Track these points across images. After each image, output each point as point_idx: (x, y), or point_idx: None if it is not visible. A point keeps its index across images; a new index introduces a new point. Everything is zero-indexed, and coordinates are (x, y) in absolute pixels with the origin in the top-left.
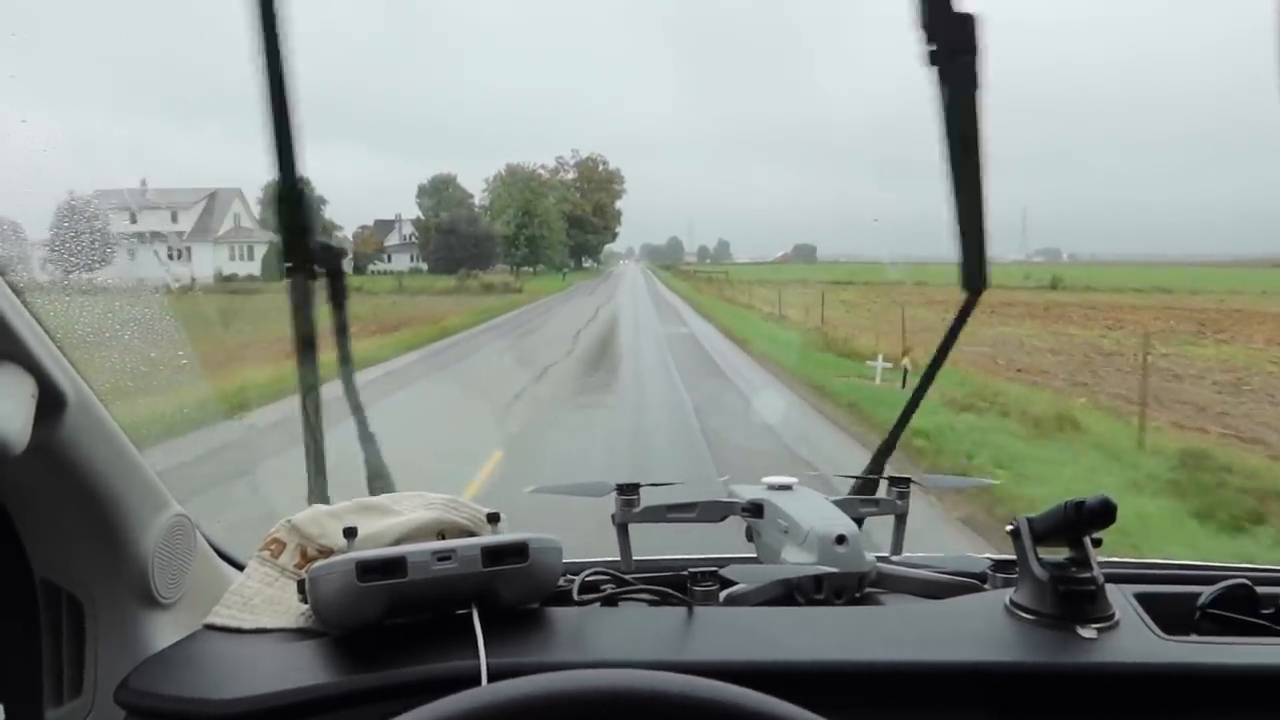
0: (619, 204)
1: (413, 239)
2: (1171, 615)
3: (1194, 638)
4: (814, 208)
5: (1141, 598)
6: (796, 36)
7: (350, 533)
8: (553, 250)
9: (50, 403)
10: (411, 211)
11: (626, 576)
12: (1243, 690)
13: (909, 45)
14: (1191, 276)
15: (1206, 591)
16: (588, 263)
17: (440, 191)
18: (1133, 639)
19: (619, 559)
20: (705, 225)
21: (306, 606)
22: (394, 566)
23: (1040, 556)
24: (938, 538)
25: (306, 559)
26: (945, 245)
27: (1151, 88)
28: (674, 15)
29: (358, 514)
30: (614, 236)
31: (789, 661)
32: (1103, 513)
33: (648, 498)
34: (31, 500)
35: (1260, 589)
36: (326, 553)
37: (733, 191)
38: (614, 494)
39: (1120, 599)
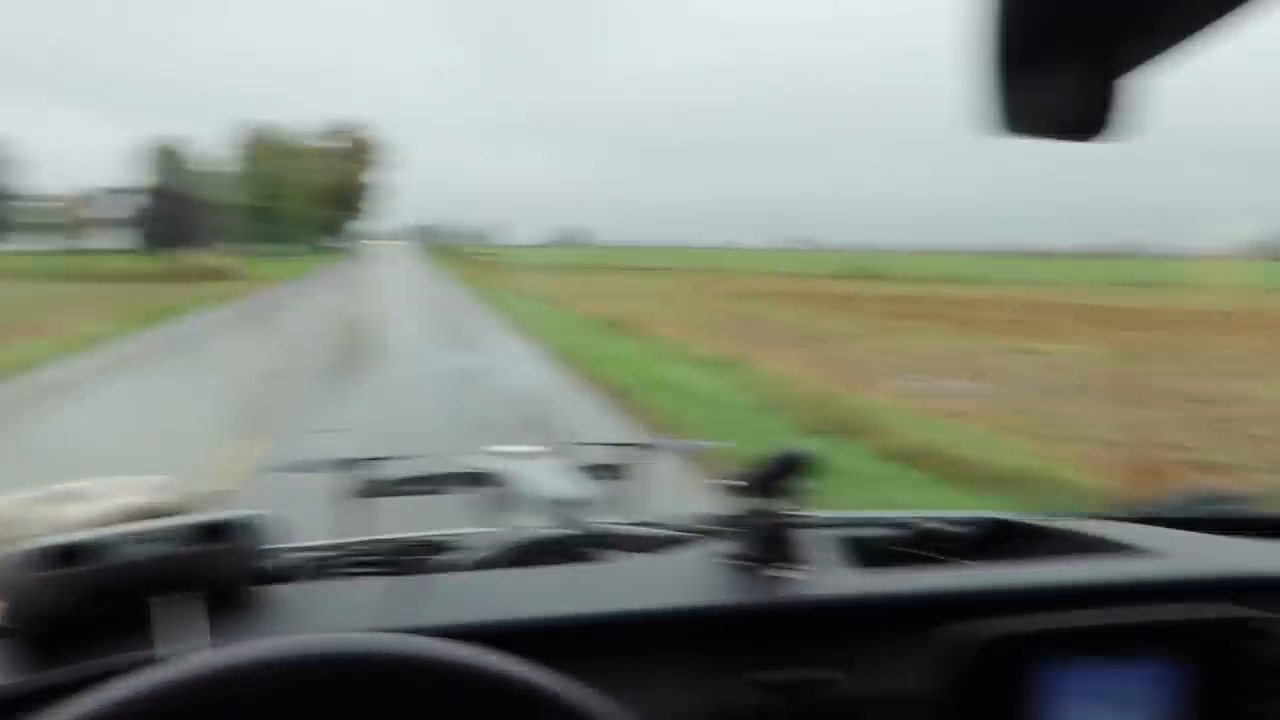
0: (384, 178)
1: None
2: (868, 556)
3: (880, 569)
4: (590, 191)
5: (839, 541)
6: (575, 14)
7: (48, 520)
8: (299, 227)
9: None
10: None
11: (346, 551)
12: (923, 614)
13: (691, 34)
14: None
15: (897, 534)
16: (347, 243)
17: (168, 157)
18: (831, 577)
19: (352, 536)
20: (478, 206)
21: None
22: (83, 552)
23: (750, 507)
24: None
25: None
26: (720, 230)
27: (909, 86)
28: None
29: (59, 500)
30: (378, 214)
31: (506, 620)
32: (807, 462)
33: (384, 472)
34: None
35: (944, 529)
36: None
37: (506, 172)
38: (348, 469)
39: (819, 543)
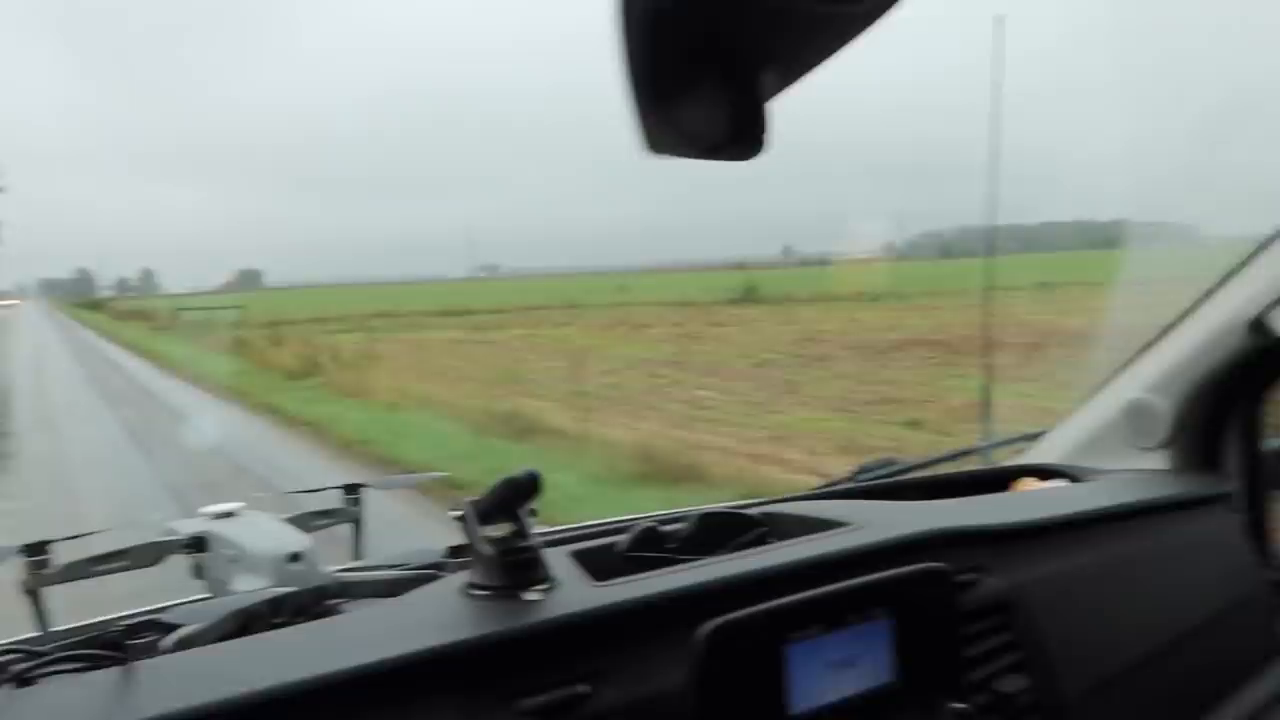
0: None
1: None
2: (600, 565)
3: (616, 580)
4: (255, 230)
5: (575, 555)
6: (213, 40)
7: None
8: None
9: None
10: None
11: (43, 648)
12: (657, 615)
13: (341, 59)
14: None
15: (622, 539)
16: None
17: None
18: (571, 593)
19: (38, 632)
20: (122, 253)
21: None
22: None
23: (485, 535)
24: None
25: None
26: (411, 264)
27: (567, 114)
28: (64, 16)
29: None
30: None
31: (253, 692)
32: (530, 484)
33: (66, 553)
34: None
35: (662, 528)
36: None
37: (152, 214)
38: (17, 557)
39: (558, 560)
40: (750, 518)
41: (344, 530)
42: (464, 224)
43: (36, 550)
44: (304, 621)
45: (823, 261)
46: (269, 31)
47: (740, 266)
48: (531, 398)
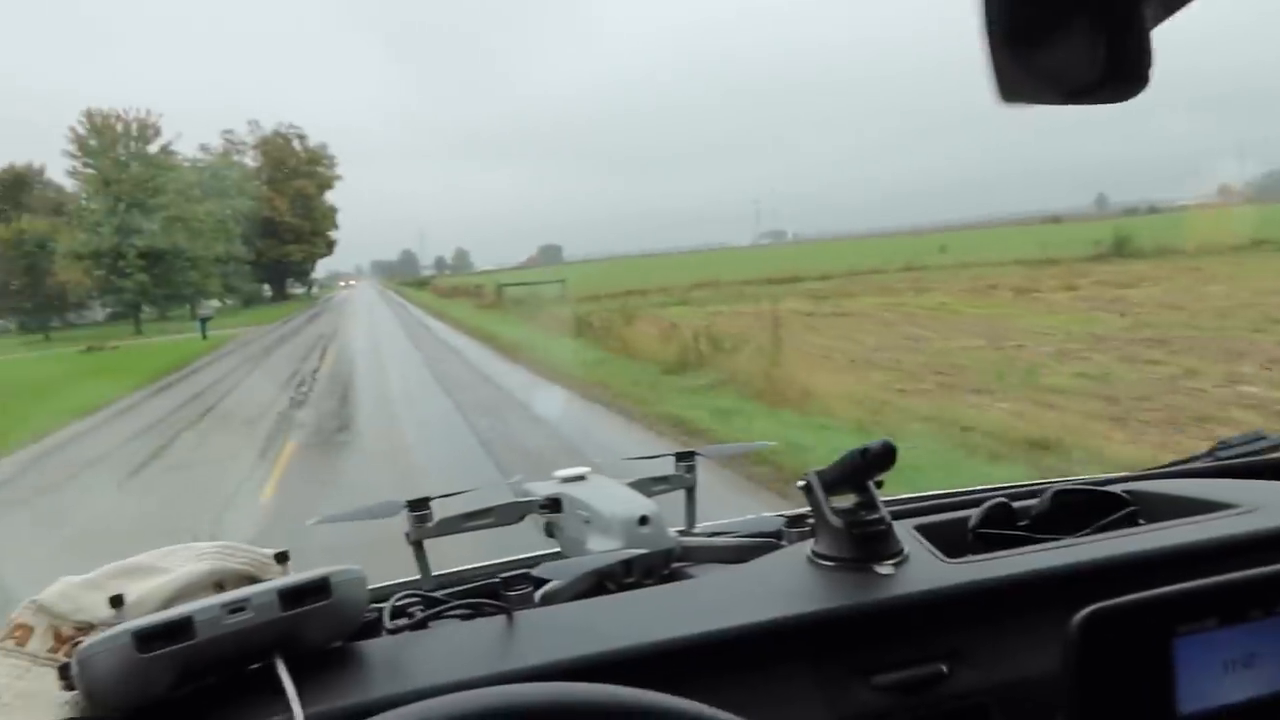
0: (332, 198)
1: None
2: (949, 540)
3: (970, 557)
4: (553, 207)
5: (921, 529)
6: (516, 28)
7: (117, 600)
8: (200, 276)
9: None
10: None
11: (436, 594)
12: (1017, 596)
13: (647, 35)
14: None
15: (973, 514)
16: (297, 287)
17: (17, 192)
18: (922, 568)
19: (419, 578)
20: (438, 235)
21: (72, 694)
22: (179, 629)
23: (832, 505)
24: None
25: (62, 641)
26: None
27: (861, 69)
28: (379, 11)
29: (117, 579)
30: (329, 246)
31: (617, 649)
32: (885, 454)
33: (441, 510)
34: None
35: (1015, 504)
36: (86, 630)
37: (463, 197)
38: (405, 512)
39: (904, 534)
40: (1115, 496)
41: (678, 496)
42: (748, 190)
43: (419, 506)
44: (654, 583)
45: (1152, 210)
46: (573, 22)
47: (1054, 219)
48: (983, 394)
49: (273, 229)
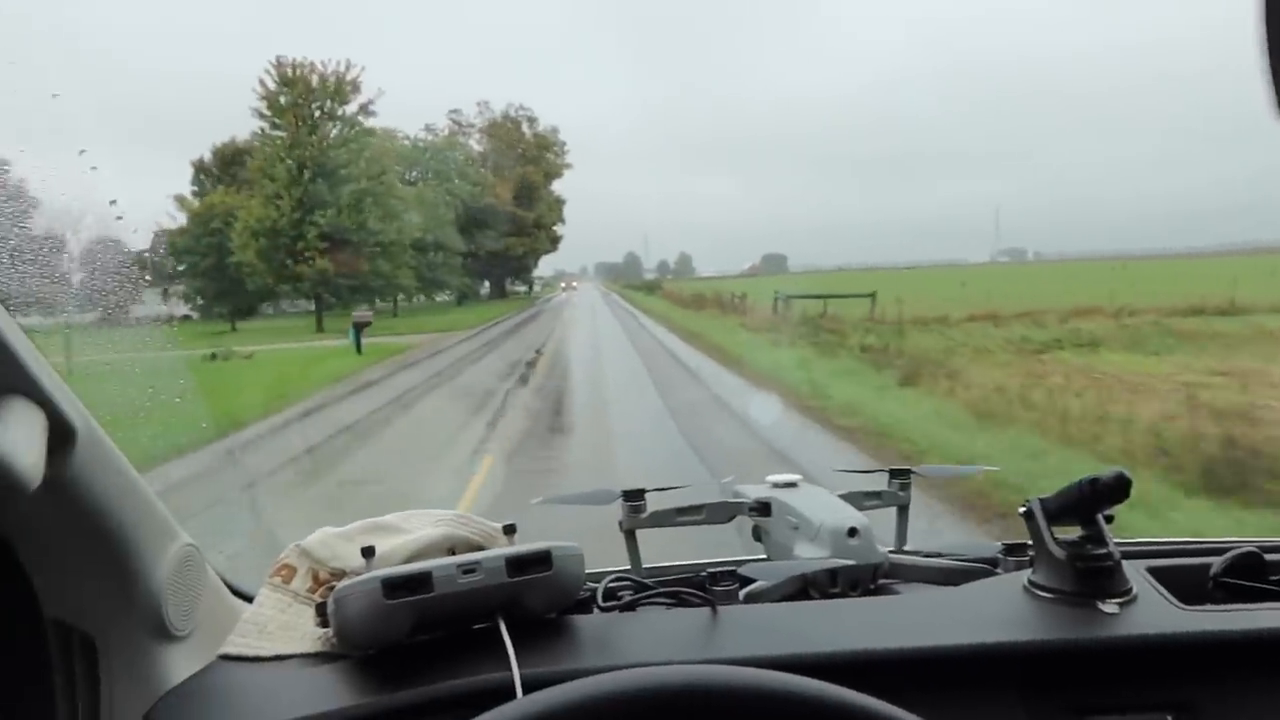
0: (559, 188)
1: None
2: (1186, 586)
3: (1209, 606)
4: (777, 215)
5: (1155, 571)
6: (751, 30)
7: (368, 551)
8: (390, 265)
9: (59, 436)
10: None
11: (646, 581)
12: (1262, 653)
13: (874, 42)
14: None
15: (1216, 561)
16: (517, 285)
17: (233, 167)
18: (1153, 611)
19: (628, 567)
20: (662, 239)
21: (324, 631)
22: (419, 582)
23: (1055, 535)
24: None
25: (319, 583)
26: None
27: (1123, 75)
28: (620, 15)
29: (367, 534)
30: (553, 241)
31: (818, 653)
32: (1118, 487)
33: (654, 503)
34: (40, 537)
35: (1268, 556)
36: (339, 575)
37: (688, 201)
38: (620, 501)
39: (1134, 574)
40: None
41: (891, 513)
42: (984, 204)
43: (634, 496)
44: (859, 595)
45: None
46: (811, 24)
47: None
48: None
49: (493, 219)
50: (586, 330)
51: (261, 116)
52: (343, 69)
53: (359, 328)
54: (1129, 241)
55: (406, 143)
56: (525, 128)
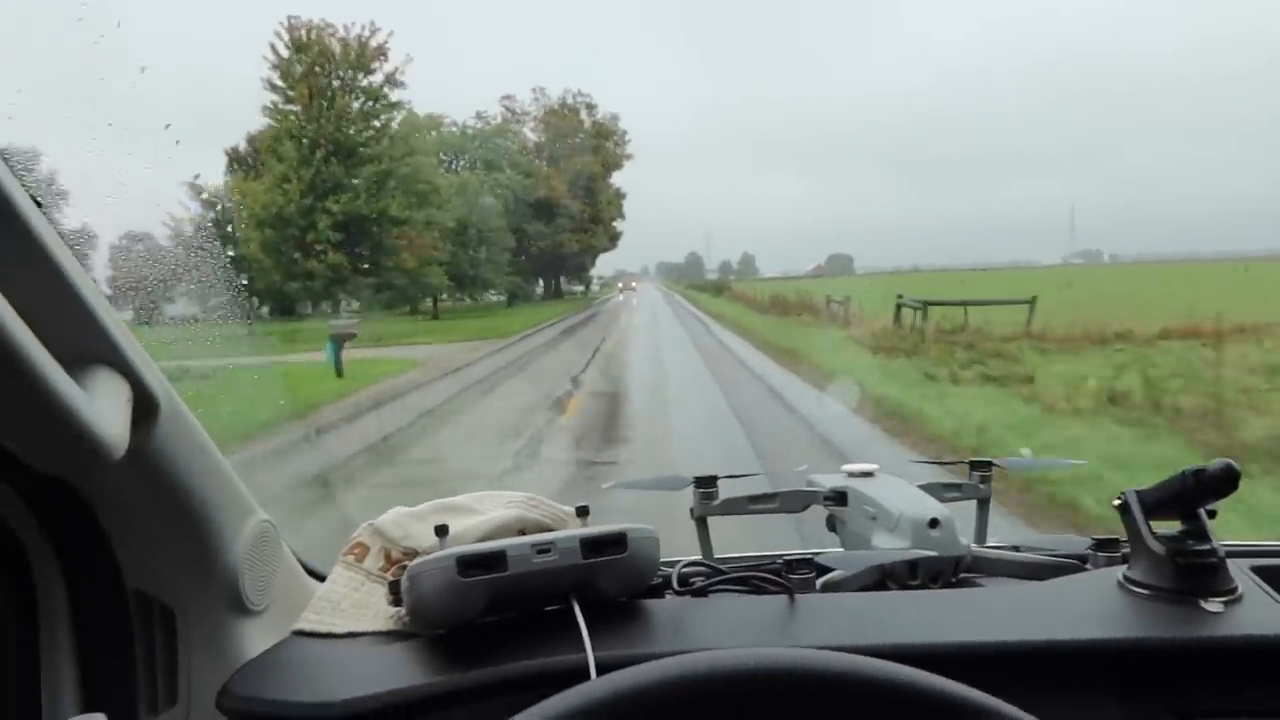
0: (619, 181)
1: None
2: None
3: None
4: (841, 215)
5: (1260, 571)
6: (820, 27)
7: (442, 530)
8: (415, 260)
9: (144, 408)
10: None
11: (721, 567)
12: None
13: (946, 38)
14: None
15: None
16: (575, 285)
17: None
18: (1259, 611)
19: (710, 553)
20: (724, 239)
21: (396, 610)
22: (494, 561)
23: (1153, 530)
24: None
25: (391, 562)
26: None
27: (1205, 72)
28: (685, 13)
29: (440, 514)
30: (612, 239)
31: (903, 644)
32: (1225, 480)
33: (725, 490)
34: (123, 509)
35: None
36: (411, 554)
37: (750, 200)
38: (691, 487)
39: (1238, 573)
40: None
41: (971, 505)
42: (1057, 205)
43: (706, 483)
44: (940, 588)
45: None
46: (881, 23)
47: None
48: None
49: (546, 213)
50: (645, 347)
51: (273, 89)
52: (366, 33)
53: (338, 341)
54: (1203, 244)
55: (454, 130)
56: (584, 115)
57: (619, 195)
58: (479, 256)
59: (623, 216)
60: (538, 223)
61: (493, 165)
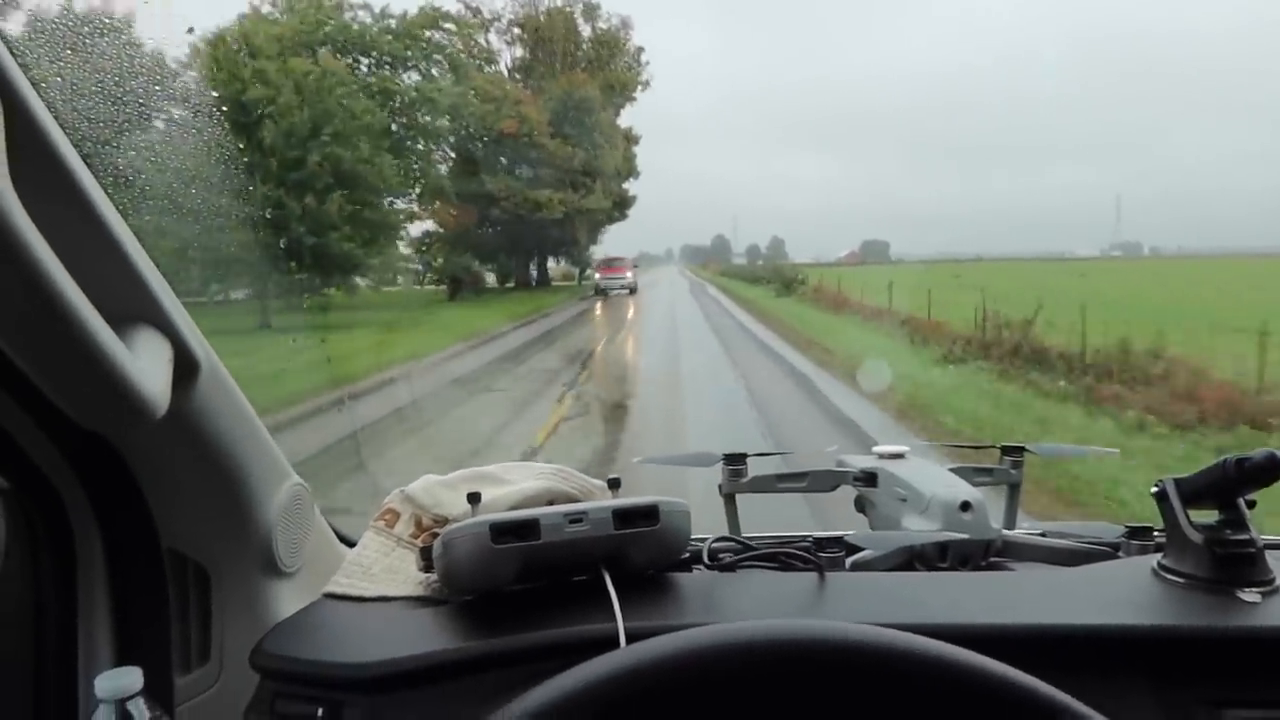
0: (629, 120)
1: None
2: None
3: None
4: (875, 200)
5: None
6: (856, 4)
7: (474, 498)
8: (346, 238)
9: (184, 368)
10: None
11: (750, 543)
12: None
13: (987, 12)
14: None
15: None
16: (571, 267)
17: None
18: None
19: (738, 529)
20: (751, 222)
21: (426, 575)
22: (527, 529)
23: (1191, 519)
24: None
25: (422, 529)
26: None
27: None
28: None
29: (471, 483)
30: (619, 205)
31: (934, 624)
32: (1268, 469)
33: (755, 468)
34: (161, 469)
35: None
36: (441, 522)
37: (780, 183)
38: (720, 464)
39: (1276, 564)
40: None
41: (999, 489)
42: (1096, 195)
43: (736, 461)
44: (970, 570)
45: None
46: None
47: None
48: None
49: (513, 156)
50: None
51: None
52: None
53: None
54: (1243, 239)
55: (360, 22)
56: (580, 19)
57: (629, 140)
58: (373, 218)
59: (635, 174)
60: (501, 173)
61: (428, 95)
